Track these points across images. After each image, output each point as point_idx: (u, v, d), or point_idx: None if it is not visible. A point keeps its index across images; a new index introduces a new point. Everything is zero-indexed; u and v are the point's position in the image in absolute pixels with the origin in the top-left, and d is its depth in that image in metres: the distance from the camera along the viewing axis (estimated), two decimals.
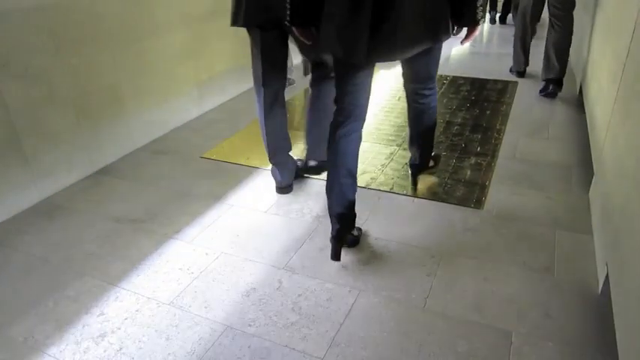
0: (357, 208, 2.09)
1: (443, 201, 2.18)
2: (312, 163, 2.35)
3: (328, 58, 1.98)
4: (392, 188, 2.30)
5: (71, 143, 2.40)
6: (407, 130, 2.18)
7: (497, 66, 4.33)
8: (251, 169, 2.53)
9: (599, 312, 1.52)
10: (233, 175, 2.47)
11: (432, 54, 1.80)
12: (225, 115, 3.24)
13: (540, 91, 3.48)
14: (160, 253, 1.89)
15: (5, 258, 1.89)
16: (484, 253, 1.82)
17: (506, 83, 3.83)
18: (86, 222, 2.10)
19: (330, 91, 1.85)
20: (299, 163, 2.40)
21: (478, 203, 2.15)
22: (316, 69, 2.14)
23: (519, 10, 3.72)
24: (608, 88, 2.03)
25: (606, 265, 1.54)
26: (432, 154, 2.32)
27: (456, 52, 4.90)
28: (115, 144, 2.66)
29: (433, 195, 2.23)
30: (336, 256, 1.73)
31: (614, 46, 2.12)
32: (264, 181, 2.41)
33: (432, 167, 2.38)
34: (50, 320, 1.57)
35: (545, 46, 3.38)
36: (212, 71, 3.37)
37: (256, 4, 1.87)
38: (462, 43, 1.68)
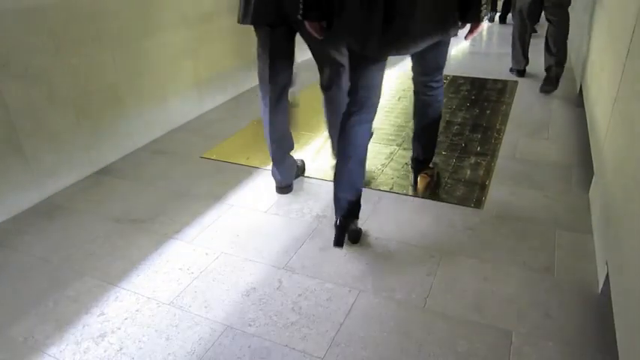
0: None
1: (443, 201, 2.18)
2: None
3: (337, 54, 2.03)
4: (392, 188, 2.30)
5: (71, 143, 2.40)
6: (412, 123, 2.19)
7: (498, 66, 4.33)
8: (251, 169, 2.53)
9: (599, 312, 1.52)
10: (233, 175, 2.47)
11: (440, 47, 1.83)
12: (225, 115, 3.24)
13: (542, 84, 3.57)
14: (159, 253, 1.89)
15: (5, 258, 1.89)
16: (484, 253, 1.82)
17: (506, 83, 3.83)
18: (86, 222, 2.10)
19: (340, 93, 2.01)
20: (299, 163, 2.40)
21: (478, 203, 2.15)
22: (324, 72, 2.12)
23: (517, 8, 3.74)
24: (608, 88, 2.03)
25: (606, 264, 1.54)
26: (432, 164, 2.33)
27: (456, 52, 4.90)
28: (115, 144, 2.66)
29: (433, 195, 2.23)
30: (338, 242, 1.76)
31: (614, 46, 2.11)
32: (264, 181, 2.41)
33: (431, 169, 2.36)
34: (50, 320, 1.57)
35: (545, 41, 3.50)
36: (212, 71, 3.37)
37: (265, 2, 1.88)
38: (465, 38, 1.73)
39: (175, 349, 1.44)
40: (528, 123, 3.02)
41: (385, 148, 2.73)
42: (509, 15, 6.21)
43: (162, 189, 2.36)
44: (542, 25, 4.00)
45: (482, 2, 1.59)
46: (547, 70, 3.53)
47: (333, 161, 2.53)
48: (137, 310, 1.60)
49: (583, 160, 2.47)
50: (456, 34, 1.68)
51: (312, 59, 2.12)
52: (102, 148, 2.58)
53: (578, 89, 3.38)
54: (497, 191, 2.25)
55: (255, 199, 2.25)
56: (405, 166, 2.50)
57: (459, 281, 1.68)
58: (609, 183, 1.71)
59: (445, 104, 3.35)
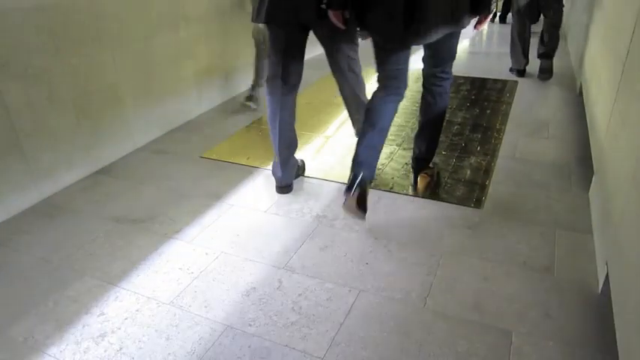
0: None
1: (443, 200, 2.18)
2: None
3: (348, 49, 2.21)
4: (392, 188, 2.30)
5: (71, 143, 2.40)
6: (415, 121, 2.22)
7: (498, 65, 4.33)
8: (251, 169, 2.53)
9: (599, 311, 1.52)
10: (233, 175, 2.47)
11: (453, 37, 1.95)
12: (225, 114, 3.24)
13: (538, 73, 3.91)
14: (159, 253, 1.89)
15: (5, 258, 1.89)
16: (484, 253, 1.82)
17: (506, 83, 3.83)
18: (86, 222, 2.10)
19: (357, 77, 2.28)
20: (299, 163, 2.40)
21: (478, 203, 2.15)
22: (331, 57, 2.25)
23: (516, 8, 3.75)
24: (608, 88, 2.03)
25: (606, 264, 1.54)
26: (432, 164, 2.33)
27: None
28: (115, 144, 2.66)
29: (433, 195, 2.23)
30: (361, 205, 1.86)
31: (614, 46, 2.12)
32: (264, 180, 2.41)
33: (431, 169, 2.36)
34: (50, 320, 1.57)
35: (540, 35, 3.84)
36: (212, 71, 3.37)
37: (280, 2, 1.91)
38: (475, 27, 1.91)
39: (175, 349, 1.44)
40: (528, 123, 3.03)
41: (385, 147, 2.72)
42: (510, 14, 6.23)
43: (162, 189, 2.36)
44: (539, 23, 4.02)
45: None
46: (539, 57, 3.88)
47: (334, 158, 2.54)
48: (137, 310, 1.60)
49: (583, 160, 2.47)
50: (469, 24, 1.84)
51: (312, 60, 2.13)
52: (102, 148, 2.58)
53: (578, 89, 3.38)
54: (497, 191, 2.25)
55: (255, 199, 2.25)
56: (405, 166, 2.50)
57: (459, 281, 1.68)
58: (609, 183, 1.71)
59: None
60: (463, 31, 1.96)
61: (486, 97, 3.50)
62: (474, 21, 1.88)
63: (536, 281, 1.67)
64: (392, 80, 1.94)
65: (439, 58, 2.03)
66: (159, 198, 2.28)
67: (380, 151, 1.99)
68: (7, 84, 2.06)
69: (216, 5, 3.28)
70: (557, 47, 3.80)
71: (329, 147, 2.77)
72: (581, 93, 3.21)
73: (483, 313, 1.54)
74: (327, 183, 2.37)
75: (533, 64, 4.20)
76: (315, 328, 1.50)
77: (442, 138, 2.76)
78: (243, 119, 3.18)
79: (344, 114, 3.23)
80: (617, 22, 2.16)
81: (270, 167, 2.49)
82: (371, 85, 2.63)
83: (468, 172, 2.43)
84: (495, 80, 3.90)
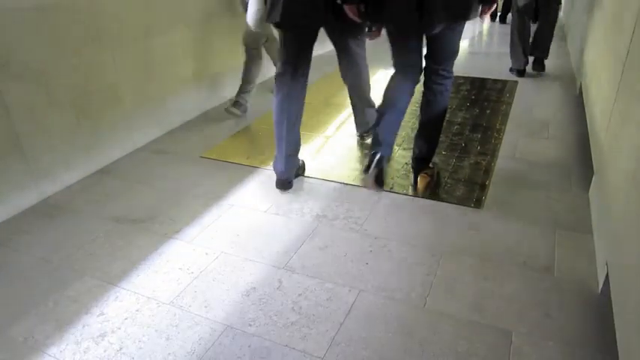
0: (356, 207, 2.14)
1: (443, 200, 2.18)
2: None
3: (355, 45, 2.39)
4: (392, 188, 2.30)
5: (71, 143, 2.40)
6: (417, 119, 2.25)
7: (497, 65, 4.33)
8: (251, 169, 2.53)
9: (599, 312, 1.52)
10: (233, 175, 2.47)
11: (456, 31, 2.00)
12: (224, 114, 3.23)
13: (532, 65, 4.04)
14: (159, 252, 1.89)
15: (5, 258, 1.89)
16: (484, 253, 1.82)
17: (506, 83, 3.83)
18: (86, 222, 2.10)
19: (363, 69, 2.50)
20: (300, 162, 2.40)
21: (478, 203, 2.15)
22: (341, 52, 2.45)
23: (516, 7, 3.76)
24: (608, 88, 2.03)
25: (606, 264, 1.54)
26: (432, 164, 2.33)
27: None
28: (114, 144, 2.66)
29: (433, 195, 2.23)
30: (379, 180, 2.07)
31: (614, 46, 2.12)
32: (264, 180, 2.41)
33: (431, 169, 2.36)
34: (50, 320, 1.57)
35: (534, 33, 3.96)
36: (211, 71, 3.37)
37: (294, 3, 1.95)
38: (480, 16, 1.96)
39: (175, 349, 1.44)
40: (528, 123, 3.03)
41: None
42: (509, 14, 6.23)
43: (162, 189, 2.36)
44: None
45: None
46: (534, 56, 4.02)
47: (334, 158, 2.55)
48: (137, 310, 1.60)
49: (583, 160, 2.47)
50: (476, 15, 1.91)
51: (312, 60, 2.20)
52: (102, 148, 2.58)
53: (578, 89, 3.38)
54: (497, 191, 2.25)
55: (255, 199, 2.25)
56: (405, 165, 2.50)
57: (459, 281, 1.68)
58: (609, 183, 1.71)
59: None
60: (463, 31, 1.99)
61: (486, 97, 3.50)
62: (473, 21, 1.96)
63: (536, 281, 1.67)
64: (407, 67, 2.08)
65: (441, 53, 2.05)
66: (159, 198, 2.28)
67: (397, 131, 2.16)
68: (7, 84, 2.06)
69: (216, 5, 3.28)
70: (545, 45, 3.99)
71: (329, 147, 2.77)
72: (581, 93, 3.21)
73: (483, 313, 1.54)
74: (327, 183, 2.37)
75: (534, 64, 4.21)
76: (315, 328, 1.50)
77: (442, 138, 2.76)
78: (243, 119, 3.18)
79: (344, 114, 3.24)
80: (617, 22, 2.16)
81: (270, 167, 2.49)
82: (373, 84, 2.66)
83: (468, 172, 2.43)
84: (495, 80, 3.90)
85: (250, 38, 3.03)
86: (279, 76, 2.19)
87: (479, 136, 2.85)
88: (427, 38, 2.04)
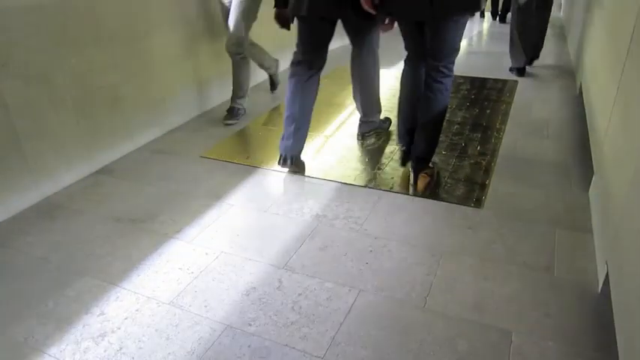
0: (356, 207, 2.15)
1: (443, 200, 2.18)
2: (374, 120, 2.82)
3: (368, 34, 2.52)
4: (392, 188, 2.30)
5: (71, 143, 2.40)
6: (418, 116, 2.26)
7: (497, 65, 4.33)
8: (251, 169, 2.53)
9: (599, 311, 1.52)
10: (233, 175, 2.47)
11: (459, 25, 2.04)
12: (224, 114, 3.23)
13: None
14: (160, 252, 1.89)
15: (5, 258, 1.89)
16: (484, 253, 1.82)
17: (505, 82, 3.83)
18: (86, 222, 2.11)
19: (367, 63, 2.59)
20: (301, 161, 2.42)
21: (478, 202, 2.15)
22: (355, 45, 2.57)
23: (516, 6, 3.76)
24: (608, 88, 2.03)
25: (606, 264, 1.54)
26: (432, 163, 2.34)
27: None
28: (114, 144, 2.66)
29: (433, 194, 2.23)
30: (404, 164, 2.36)
31: (614, 46, 2.12)
32: (264, 180, 2.41)
33: (431, 168, 2.36)
34: (50, 320, 1.57)
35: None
36: (211, 71, 3.36)
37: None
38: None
39: (175, 349, 1.44)
40: (528, 122, 3.03)
41: (385, 147, 2.73)
42: (509, 14, 6.24)
43: (162, 189, 2.36)
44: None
45: None
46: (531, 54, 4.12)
47: (334, 158, 2.54)
48: (137, 310, 1.60)
49: (583, 160, 2.47)
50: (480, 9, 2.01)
51: None
52: (102, 148, 2.58)
53: (578, 89, 3.38)
54: (497, 190, 2.25)
55: (255, 198, 2.25)
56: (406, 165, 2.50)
57: (459, 281, 1.68)
58: (609, 182, 1.71)
59: None
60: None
61: (486, 97, 3.50)
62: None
63: (536, 281, 1.67)
64: (414, 54, 2.21)
65: (442, 49, 2.07)
66: (159, 198, 2.28)
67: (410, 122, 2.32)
68: (7, 84, 2.06)
69: (214, 5, 3.27)
70: (538, 51, 4.16)
71: (329, 147, 2.77)
72: (581, 93, 3.21)
73: (483, 312, 1.54)
74: (327, 183, 2.37)
75: (534, 63, 4.21)
76: (315, 327, 1.50)
77: (442, 138, 2.77)
78: (242, 119, 3.18)
79: (344, 114, 3.24)
80: (617, 22, 2.16)
81: (269, 167, 2.50)
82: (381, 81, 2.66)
83: (468, 171, 2.43)
84: (495, 80, 3.90)
85: (234, 45, 2.93)
86: (294, 64, 2.36)
87: (479, 135, 2.85)
88: (429, 33, 2.05)
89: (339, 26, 2.42)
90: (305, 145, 2.46)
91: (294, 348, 1.43)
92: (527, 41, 3.86)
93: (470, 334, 1.46)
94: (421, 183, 2.27)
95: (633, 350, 1.13)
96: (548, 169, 2.43)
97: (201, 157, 2.69)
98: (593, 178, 2.09)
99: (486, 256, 1.80)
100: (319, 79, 2.41)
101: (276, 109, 3.39)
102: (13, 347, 1.47)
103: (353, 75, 2.69)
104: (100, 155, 2.58)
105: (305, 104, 2.36)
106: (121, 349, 1.45)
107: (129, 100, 2.70)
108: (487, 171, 2.43)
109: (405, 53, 2.30)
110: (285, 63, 4.32)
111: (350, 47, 2.63)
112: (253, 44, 3.18)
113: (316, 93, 2.41)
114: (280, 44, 3.75)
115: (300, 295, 1.64)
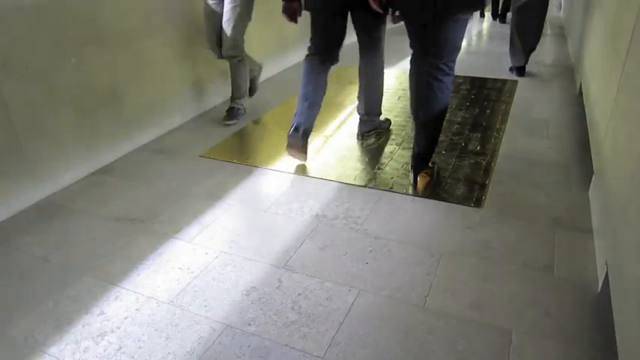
0: (356, 207, 2.14)
1: (443, 200, 2.18)
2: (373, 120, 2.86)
3: (376, 33, 2.59)
4: (392, 187, 2.30)
5: (71, 143, 2.40)
6: (415, 115, 2.26)
7: (497, 65, 4.33)
8: (251, 168, 2.53)
9: (599, 311, 1.52)
10: (233, 175, 2.47)
11: (460, 23, 2.05)
12: (224, 114, 3.23)
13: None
14: (159, 252, 1.89)
15: (5, 258, 1.89)
16: (484, 252, 1.82)
17: (505, 82, 3.83)
18: (86, 222, 2.11)
19: (375, 62, 2.64)
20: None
21: (478, 202, 2.15)
22: (362, 44, 2.62)
23: (517, 4, 3.77)
24: (608, 88, 2.03)
25: (606, 263, 1.54)
26: (431, 163, 2.34)
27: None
28: (114, 143, 2.66)
29: (433, 194, 2.23)
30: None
31: (614, 46, 2.11)
32: (264, 180, 2.41)
33: (431, 168, 2.36)
34: (50, 320, 1.57)
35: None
36: (211, 71, 3.36)
37: None
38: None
39: (175, 349, 1.44)
40: (528, 122, 3.03)
41: (385, 147, 2.73)
42: (509, 14, 6.24)
43: (161, 188, 2.36)
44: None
45: None
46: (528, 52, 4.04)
47: (334, 158, 2.55)
48: (137, 310, 1.60)
49: (583, 160, 2.47)
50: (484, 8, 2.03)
51: None
52: (102, 148, 2.58)
53: (578, 89, 3.38)
54: (497, 190, 2.25)
55: (255, 198, 2.25)
56: (405, 165, 2.50)
57: (459, 280, 1.68)
58: (609, 182, 1.71)
59: None
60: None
61: (486, 97, 3.50)
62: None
63: (536, 280, 1.67)
64: (419, 51, 2.21)
65: (443, 47, 2.07)
66: (159, 198, 2.28)
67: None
68: (7, 83, 2.06)
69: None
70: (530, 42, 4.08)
71: (329, 147, 2.77)
72: (581, 93, 3.21)
73: (483, 312, 1.54)
74: (327, 182, 2.37)
75: (533, 62, 4.21)
76: (315, 327, 1.50)
77: (442, 137, 2.77)
78: (242, 119, 3.18)
79: (344, 114, 3.24)
80: (617, 22, 2.16)
81: (269, 167, 2.50)
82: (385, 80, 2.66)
83: (468, 171, 2.43)
84: (495, 80, 3.90)
85: (231, 49, 2.91)
86: (309, 55, 2.48)
87: (479, 135, 2.85)
88: (431, 31, 2.06)
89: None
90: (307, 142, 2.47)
91: (293, 348, 1.43)
92: (527, 41, 3.86)
93: (470, 334, 1.46)
94: (421, 183, 2.27)
95: (633, 349, 1.13)
96: (548, 169, 2.43)
97: (201, 157, 2.69)
98: (593, 178, 2.09)
99: (486, 256, 1.80)
100: (328, 72, 2.53)
101: (276, 109, 3.39)
102: (13, 347, 1.47)
103: (360, 74, 2.73)
104: (100, 155, 2.58)
105: (318, 86, 2.48)
106: (120, 348, 1.45)
107: (129, 100, 2.70)
108: (487, 171, 2.43)
109: (407, 53, 2.29)
110: (285, 63, 4.33)
111: (348, 47, 2.66)
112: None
113: (325, 83, 2.53)
114: (279, 45, 3.76)
115: (300, 294, 1.64)
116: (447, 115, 3.11)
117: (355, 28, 2.58)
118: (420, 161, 2.27)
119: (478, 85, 3.77)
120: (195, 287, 1.69)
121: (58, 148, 2.33)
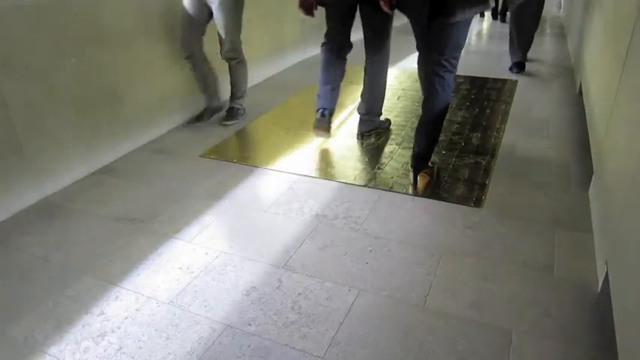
0: (356, 207, 2.14)
1: (442, 200, 2.18)
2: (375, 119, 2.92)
3: (383, 28, 2.62)
4: (391, 187, 2.30)
5: (71, 143, 2.40)
6: (418, 115, 2.26)
7: (497, 64, 4.33)
8: (251, 168, 2.53)
9: (599, 310, 1.52)
10: (233, 175, 2.47)
11: (463, 23, 2.05)
12: (224, 114, 3.23)
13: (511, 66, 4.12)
14: (159, 252, 1.89)
15: (5, 258, 1.89)
16: (484, 252, 1.82)
17: (505, 82, 3.83)
18: (86, 222, 2.11)
19: (380, 60, 2.69)
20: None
21: (478, 202, 2.15)
22: (368, 40, 2.66)
23: (516, 2, 3.80)
24: (608, 88, 2.03)
25: (606, 263, 1.54)
26: (431, 163, 2.34)
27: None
28: (114, 143, 2.66)
29: (433, 194, 2.23)
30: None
31: (614, 46, 2.11)
32: (264, 180, 2.41)
33: (431, 168, 2.36)
34: (50, 320, 1.57)
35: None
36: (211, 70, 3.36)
37: None
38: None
39: (175, 349, 1.44)
40: (528, 122, 3.03)
41: (385, 147, 2.73)
42: (509, 13, 6.24)
43: (161, 188, 2.36)
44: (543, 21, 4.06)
45: None
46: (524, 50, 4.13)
47: (334, 157, 2.55)
48: (137, 310, 1.60)
49: (583, 159, 2.47)
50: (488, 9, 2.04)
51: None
52: (101, 148, 2.58)
53: (578, 89, 3.38)
54: (497, 190, 2.25)
55: (255, 198, 2.25)
56: (405, 165, 2.50)
57: (459, 280, 1.68)
58: (609, 182, 1.71)
59: None
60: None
61: (486, 97, 3.50)
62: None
63: (536, 280, 1.67)
64: (424, 49, 2.24)
65: (446, 45, 2.07)
66: (159, 198, 2.28)
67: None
68: (7, 83, 2.06)
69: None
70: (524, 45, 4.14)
71: (329, 147, 2.77)
72: (581, 93, 3.21)
73: (483, 312, 1.54)
74: (327, 182, 2.37)
75: (533, 62, 4.21)
76: (315, 327, 1.50)
77: (442, 137, 2.77)
78: (242, 119, 3.18)
79: (344, 114, 3.24)
80: (617, 22, 2.16)
81: (269, 167, 2.50)
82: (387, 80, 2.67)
83: (468, 171, 2.43)
84: (495, 79, 3.90)
85: (229, 52, 2.91)
86: (324, 44, 2.66)
87: (479, 135, 2.85)
88: (435, 29, 2.05)
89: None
90: (305, 145, 2.47)
91: (294, 348, 1.43)
92: (521, 41, 3.93)
93: (470, 334, 1.46)
94: (421, 182, 2.27)
95: (633, 349, 1.13)
96: (547, 168, 2.43)
97: (201, 156, 2.69)
98: (593, 178, 2.09)
99: (486, 256, 1.80)
100: (345, 62, 2.70)
101: (276, 109, 3.39)
102: (13, 347, 1.47)
103: (366, 71, 2.75)
104: (100, 155, 2.58)
105: (336, 71, 2.68)
106: (120, 348, 1.45)
107: (129, 100, 2.70)
108: (487, 171, 2.43)
109: (409, 52, 2.31)
110: (285, 63, 4.32)
111: (352, 48, 2.70)
112: (211, 69, 3.04)
113: (343, 72, 2.71)
114: (278, 46, 3.75)
115: (300, 294, 1.64)
116: (447, 114, 3.12)
117: (363, 24, 2.61)
118: (420, 161, 2.27)
119: (478, 85, 3.77)
120: (195, 287, 1.69)
121: (58, 148, 2.33)
